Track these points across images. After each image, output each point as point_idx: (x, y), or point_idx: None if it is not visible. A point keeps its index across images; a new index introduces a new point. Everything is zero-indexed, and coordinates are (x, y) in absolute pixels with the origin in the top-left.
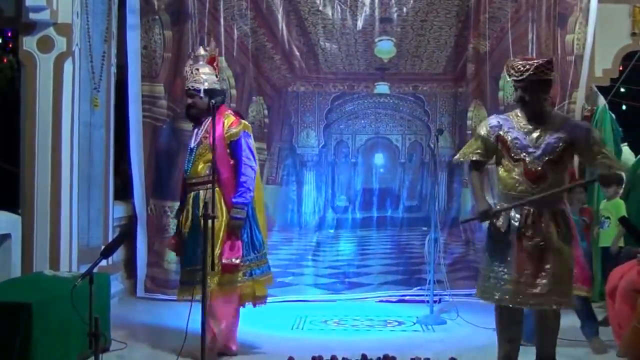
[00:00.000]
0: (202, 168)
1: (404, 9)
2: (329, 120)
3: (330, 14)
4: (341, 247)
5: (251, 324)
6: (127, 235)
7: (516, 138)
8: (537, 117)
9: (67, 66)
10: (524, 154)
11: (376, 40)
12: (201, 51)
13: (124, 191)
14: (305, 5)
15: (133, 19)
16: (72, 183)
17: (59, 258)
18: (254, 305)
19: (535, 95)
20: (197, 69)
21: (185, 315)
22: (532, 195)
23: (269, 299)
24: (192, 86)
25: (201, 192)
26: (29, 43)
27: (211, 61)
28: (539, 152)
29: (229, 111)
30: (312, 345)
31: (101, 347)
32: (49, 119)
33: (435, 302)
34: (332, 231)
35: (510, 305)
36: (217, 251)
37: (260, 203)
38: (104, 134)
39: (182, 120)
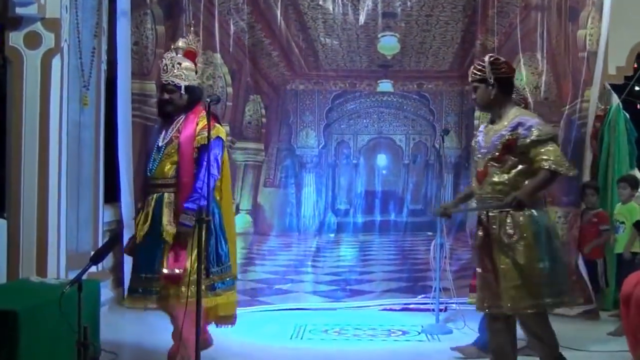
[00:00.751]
0: (169, 169)
1: (408, 3)
2: (329, 120)
3: (330, 8)
4: (342, 253)
5: (247, 334)
6: (118, 240)
7: (477, 140)
8: (493, 117)
9: (55, 63)
10: (477, 154)
11: (379, 35)
12: (180, 43)
13: (115, 193)
14: None
15: (123, 13)
16: (60, 185)
17: (47, 264)
18: (217, 326)
19: (477, 95)
20: (180, 63)
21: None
22: (480, 197)
23: (267, 307)
24: (173, 81)
25: (165, 194)
26: (15, 39)
27: (191, 56)
28: (484, 151)
29: (204, 112)
30: (312, 356)
31: (90, 357)
32: (36, 118)
33: (441, 310)
34: (332, 235)
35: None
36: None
37: (229, 215)
38: (93, 133)
39: None
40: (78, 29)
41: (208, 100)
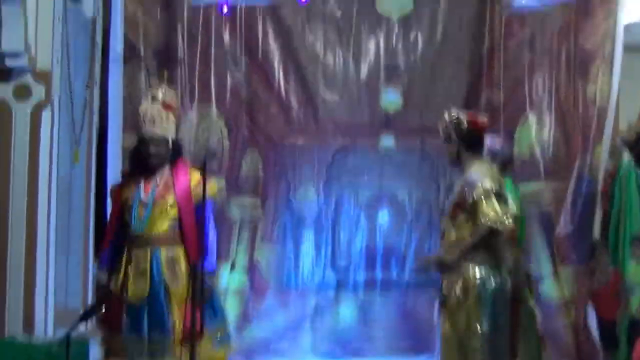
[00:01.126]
0: (166, 225)
1: (412, 57)
2: (329, 175)
3: (331, 62)
4: (342, 311)
5: None
6: (107, 297)
7: None
8: (460, 174)
9: (46, 116)
10: None
11: (381, 89)
12: (159, 94)
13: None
14: (305, 52)
15: (116, 64)
16: (49, 241)
17: (34, 320)
18: None
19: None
20: (168, 116)
21: None
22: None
23: None
24: (162, 134)
25: (162, 250)
26: (4, 91)
27: (170, 109)
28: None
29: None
30: None
31: None
32: (25, 173)
33: None
34: (332, 293)
35: None
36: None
37: None
38: (84, 188)
39: None
40: (70, 80)
41: (204, 154)
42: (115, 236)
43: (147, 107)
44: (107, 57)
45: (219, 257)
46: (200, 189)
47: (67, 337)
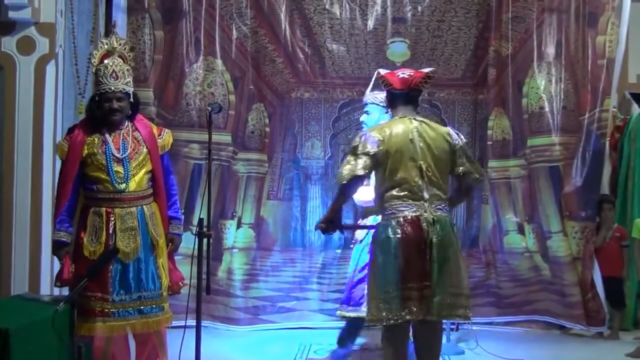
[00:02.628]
0: (145, 180)
1: (419, 8)
2: (336, 130)
3: (338, 13)
4: (349, 269)
5: (250, 353)
6: (114, 254)
7: None
8: None
9: (50, 69)
10: None
11: (388, 41)
12: (115, 44)
13: None
14: (311, 3)
15: (120, 18)
16: (54, 197)
17: (40, 280)
18: None
19: None
20: (128, 69)
21: (177, 342)
22: None
23: (271, 326)
24: (124, 89)
25: (145, 207)
26: (8, 44)
27: (127, 61)
28: None
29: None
30: None
31: None
32: (30, 126)
33: (452, 329)
34: (339, 251)
35: None
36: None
37: None
38: None
39: (174, 128)
40: (74, 34)
41: (209, 108)
42: (73, 195)
43: (108, 62)
44: (110, 9)
45: (225, 214)
46: (163, 141)
47: (73, 295)
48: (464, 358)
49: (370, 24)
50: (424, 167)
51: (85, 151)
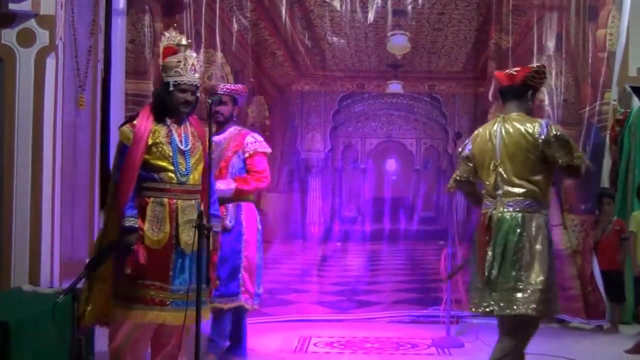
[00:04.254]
0: (200, 175)
1: (419, 1)
2: (336, 122)
3: (338, 5)
4: (349, 262)
5: (250, 345)
6: (115, 247)
7: None
8: None
9: (50, 62)
10: None
11: (389, 34)
12: (183, 41)
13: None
14: None
15: (119, 10)
16: (54, 190)
17: (40, 272)
18: None
19: None
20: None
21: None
22: None
23: (270, 318)
24: (198, 83)
25: (199, 201)
26: (8, 36)
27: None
28: None
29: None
30: None
31: None
32: (30, 119)
33: (452, 323)
34: (339, 244)
35: None
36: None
37: None
38: (89, 136)
39: None
40: (74, 26)
41: (209, 101)
42: (136, 182)
43: (186, 55)
44: (112, 2)
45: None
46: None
47: (73, 287)
48: (463, 351)
49: (371, 16)
50: (498, 165)
51: (151, 140)
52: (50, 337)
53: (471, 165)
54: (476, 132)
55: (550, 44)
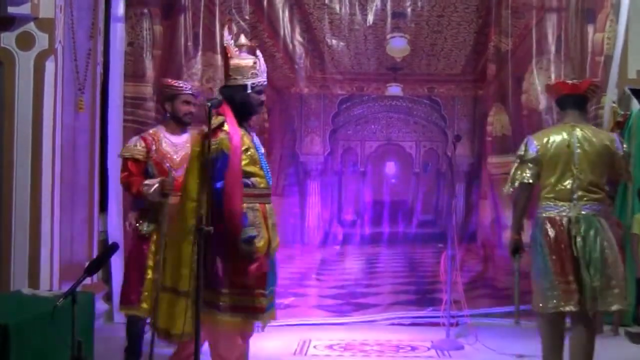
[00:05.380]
0: None
1: (419, 3)
2: (335, 125)
3: (337, 8)
4: (348, 265)
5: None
6: (114, 250)
7: None
8: None
9: (49, 65)
10: None
11: (388, 37)
12: (242, 40)
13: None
14: None
15: (118, 12)
16: (53, 193)
17: (39, 275)
18: None
19: None
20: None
21: None
22: None
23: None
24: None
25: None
26: (7, 39)
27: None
28: None
29: None
30: None
31: None
32: (29, 123)
33: (452, 325)
34: (338, 247)
35: None
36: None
37: None
38: (88, 139)
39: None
40: (73, 29)
41: (209, 104)
42: None
43: (260, 59)
44: (110, 3)
45: None
46: None
47: (73, 290)
48: (463, 353)
49: (370, 19)
50: (576, 171)
51: (243, 144)
52: (49, 340)
53: (537, 168)
54: (541, 135)
55: (549, 47)
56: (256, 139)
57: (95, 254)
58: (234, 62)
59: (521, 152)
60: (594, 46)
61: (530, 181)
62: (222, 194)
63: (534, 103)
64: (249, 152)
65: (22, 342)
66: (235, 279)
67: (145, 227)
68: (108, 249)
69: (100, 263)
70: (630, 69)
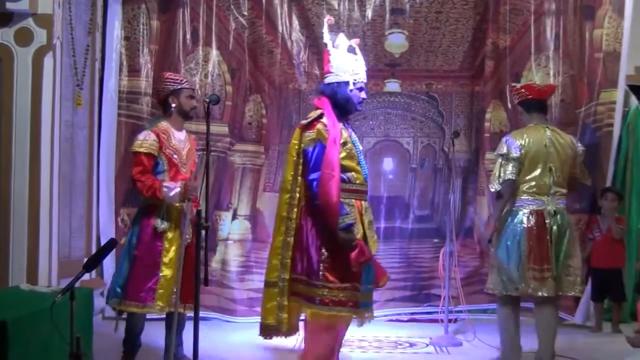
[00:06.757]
0: None
1: (417, 0)
2: None
3: (336, 4)
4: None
5: (248, 344)
6: (113, 245)
7: None
8: None
9: (48, 61)
10: None
11: (386, 33)
12: (342, 37)
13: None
14: None
15: (114, 7)
16: (52, 189)
17: (38, 271)
18: None
19: None
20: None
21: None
22: None
23: None
24: None
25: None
26: (5, 35)
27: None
28: None
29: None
30: None
31: None
32: (28, 119)
33: (450, 321)
34: None
35: None
36: None
37: None
38: (87, 134)
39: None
40: (71, 25)
41: (207, 100)
42: None
43: (359, 56)
44: (108, 1)
45: (220, 205)
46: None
47: (71, 286)
48: (461, 350)
49: (369, 15)
50: (553, 168)
51: (341, 139)
52: (48, 336)
53: (519, 165)
54: (519, 135)
55: (548, 44)
56: (354, 136)
57: (93, 250)
58: (335, 58)
59: (504, 151)
60: (593, 43)
61: (514, 177)
62: (317, 185)
63: None
64: (347, 146)
65: (21, 338)
66: (331, 272)
67: (160, 225)
68: (107, 245)
69: (100, 259)
70: (628, 65)
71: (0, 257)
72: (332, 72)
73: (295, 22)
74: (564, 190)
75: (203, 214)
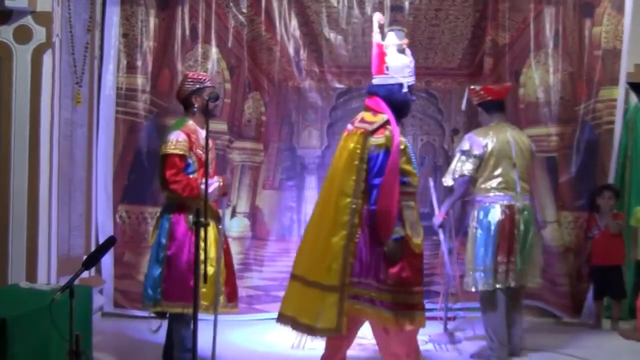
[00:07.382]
0: None
1: None
2: (333, 119)
3: (335, 1)
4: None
5: (247, 342)
6: (112, 243)
7: None
8: None
9: (47, 58)
10: None
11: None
12: (394, 38)
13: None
14: None
15: (113, 5)
16: (51, 186)
17: (37, 269)
18: None
19: None
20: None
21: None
22: None
23: (266, 315)
24: None
25: None
26: (4, 33)
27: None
28: None
29: None
30: None
31: None
32: (27, 116)
33: (449, 319)
34: None
35: None
36: None
37: None
38: (86, 132)
39: (169, 116)
40: (70, 22)
41: (207, 98)
42: None
43: (410, 56)
44: None
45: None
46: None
47: (70, 284)
48: (461, 347)
49: (368, 12)
50: (517, 165)
51: (401, 144)
52: (47, 334)
53: (479, 163)
54: (483, 133)
55: (547, 41)
56: (406, 138)
57: (92, 248)
58: (391, 59)
59: (466, 147)
60: (592, 40)
61: (470, 174)
62: (379, 191)
63: (531, 97)
64: (406, 152)
65: (20, 335)
66: (405, 276)
67: (191, 222)
68: (106, 243)
69: (99, 257)
70: (628, 63)
71: (0, 254)
72: (387, 74)
73: (295, 20)
74: (528, 187)
75: (202, 212)
